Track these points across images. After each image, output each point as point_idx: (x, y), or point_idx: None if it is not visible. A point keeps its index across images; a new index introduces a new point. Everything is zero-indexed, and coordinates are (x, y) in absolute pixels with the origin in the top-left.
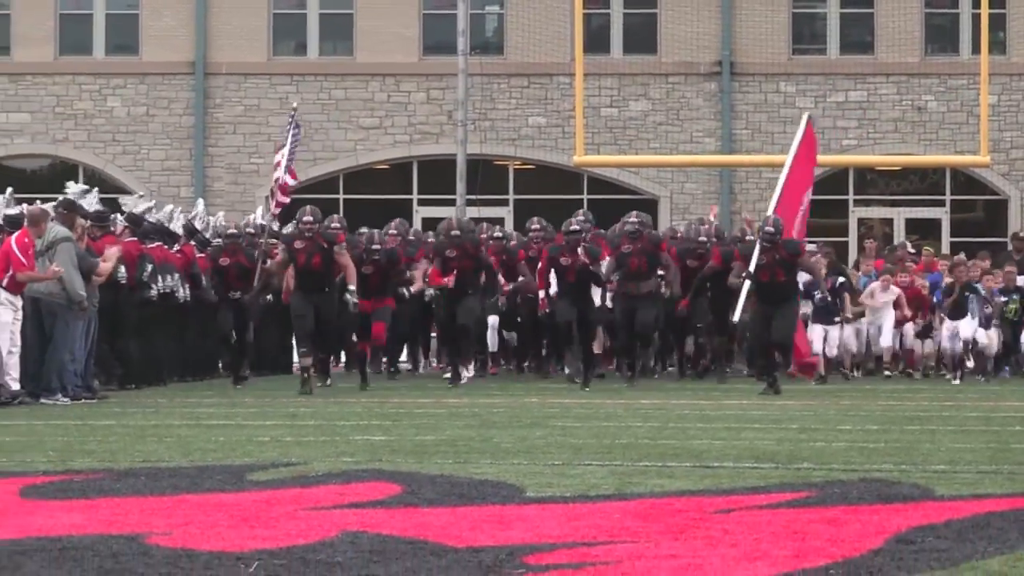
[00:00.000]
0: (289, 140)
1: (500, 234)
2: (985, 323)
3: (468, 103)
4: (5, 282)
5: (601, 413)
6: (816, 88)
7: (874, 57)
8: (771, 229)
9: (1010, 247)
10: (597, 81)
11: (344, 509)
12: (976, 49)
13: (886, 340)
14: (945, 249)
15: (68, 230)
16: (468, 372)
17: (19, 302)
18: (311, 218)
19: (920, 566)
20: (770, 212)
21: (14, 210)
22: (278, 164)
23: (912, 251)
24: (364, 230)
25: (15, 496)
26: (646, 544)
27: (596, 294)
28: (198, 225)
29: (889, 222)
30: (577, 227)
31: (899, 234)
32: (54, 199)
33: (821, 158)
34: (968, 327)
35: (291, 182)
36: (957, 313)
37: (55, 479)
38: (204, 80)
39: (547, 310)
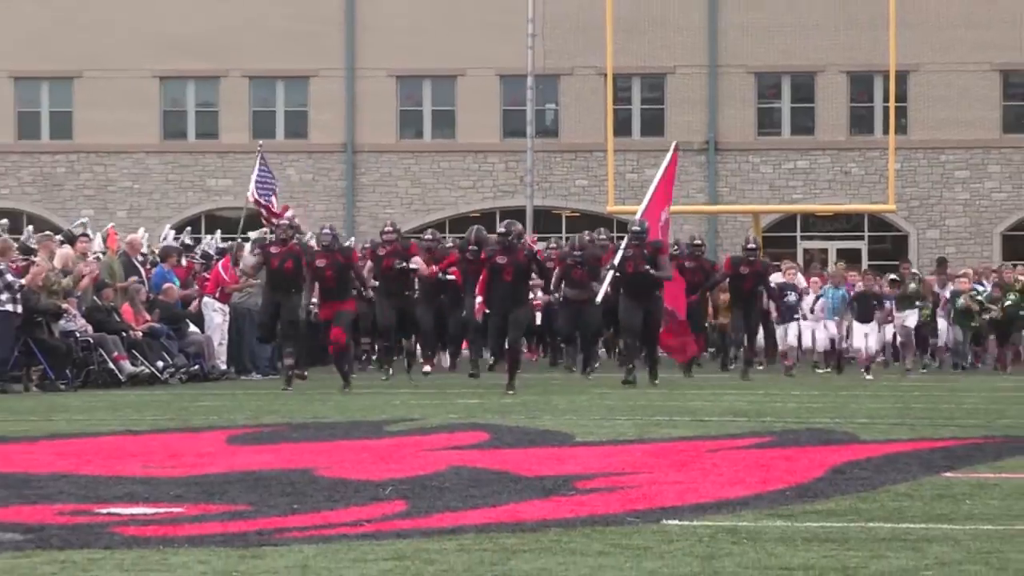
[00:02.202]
0: (256, 171)
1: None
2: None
3: (534, 170)
4: (217, 294)
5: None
6: (774, 159)
7: (815, 137)
8: (637, 228)
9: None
10: (623, 155)
11: (450, 450)
12: (886, 131)
13: (821, 338)
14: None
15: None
16: (427, 368)
17: (226, 308)
18: (287, 223)
19: (849, 489)
20: (637, 216)
21: (222, 245)
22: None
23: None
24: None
25: (223, 443)
26: (658, 474)
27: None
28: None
29: (825, 251)
30: (504, 229)
31: (832, 260)
32: (248, 239)
33: (778, 207)
34: (873, 328)
35: (272, 201)
36: (864, 317)
37: (251, 431)
38: (352, 156)
39: (484, 312)
